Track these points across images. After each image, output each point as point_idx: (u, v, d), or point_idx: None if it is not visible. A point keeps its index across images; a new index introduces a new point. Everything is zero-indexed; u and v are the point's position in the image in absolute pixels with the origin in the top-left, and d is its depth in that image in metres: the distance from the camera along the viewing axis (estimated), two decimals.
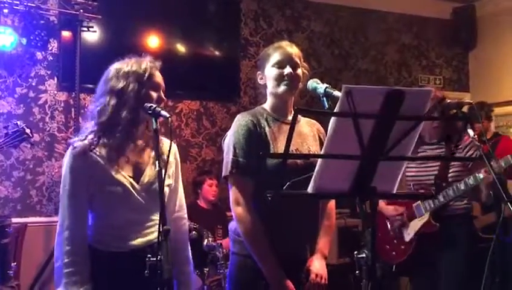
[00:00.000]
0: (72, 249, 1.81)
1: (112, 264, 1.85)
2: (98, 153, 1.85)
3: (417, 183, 2.68)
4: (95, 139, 1.87)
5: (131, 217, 1.88)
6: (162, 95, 1.95)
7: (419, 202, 2.73)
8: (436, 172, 2.64)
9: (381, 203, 2.87)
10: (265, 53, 2.16)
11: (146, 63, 1.93)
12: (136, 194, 1.87)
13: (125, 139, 1.89)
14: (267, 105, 2.16)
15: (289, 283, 1.99)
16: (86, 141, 1.86)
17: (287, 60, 2.09)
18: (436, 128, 2.67)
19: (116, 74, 1.90)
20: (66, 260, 1.80)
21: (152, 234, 1.91)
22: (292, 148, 2.06)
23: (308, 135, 2.17)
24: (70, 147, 1.88)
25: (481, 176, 2.47)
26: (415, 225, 2.76)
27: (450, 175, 2.70)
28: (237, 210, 2.02)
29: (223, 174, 2.08)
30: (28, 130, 3.27)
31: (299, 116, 2.19)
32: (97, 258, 1.85)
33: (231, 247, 2.15)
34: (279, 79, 2.08)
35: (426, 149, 2.72)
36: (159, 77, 1.95)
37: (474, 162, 2.58)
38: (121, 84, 1.86)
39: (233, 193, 2.05)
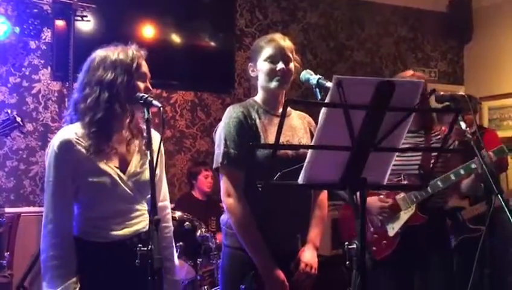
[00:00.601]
0: (58, 241, 1.79)
1: (99, 255, 1.84)
2: (83, 144, 1.82)
3: (399, 173, 2.59)
4: (81, 130, 1.83)
5: (118, 207, 1.87)
6: (149, 85, 1.92)
7: (402, 193, 2.63)
8: (418, 161, 2.59)
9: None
10: (257, 45, 2.14)
11: (133, 52, 1.89)
12: (122, 185, 1.86)
13: (112, 130, 1.87)
14: (258, 97, 2.16)
15: (280, 273, 2.00)
16: (70, 132, 1.83)
17: (280, 55, 2.07)
18: (415, 117, 2.58)
19: (102, 62, 1.86)
20: (51, 253, 1.79)
21: (138, 224, 1.91)
22: (283, 140, 2.06)
23: (299, 127, 2.18)
24: (55, 139, 1.84)
25: (473, 165, 2.45)
26: (401, 218, 2.62)
27: (415, 164, 2.62)
28: (228, 201, 2.03)
29: (214, 165, 2.09)
30: (19, 119, 3.26)
31: (291, 109, 2.20)
32: (83, 250, 1.84)
33: (223, 239, 2.16)
34: (272, 74, 2.07)
35: (406, 137, 2.66)
36: (145, 67, 1.92)
37: (453, 153, 2.55)
38: (109, 76, 1.83)
39: (224, 184, 2.05)
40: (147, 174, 1.87)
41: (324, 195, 2.22)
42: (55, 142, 1.83)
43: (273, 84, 2.07)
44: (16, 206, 3.99)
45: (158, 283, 1.65)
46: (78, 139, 1.82)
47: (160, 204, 2.02)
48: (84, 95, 1.85)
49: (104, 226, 1.86)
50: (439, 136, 2.66)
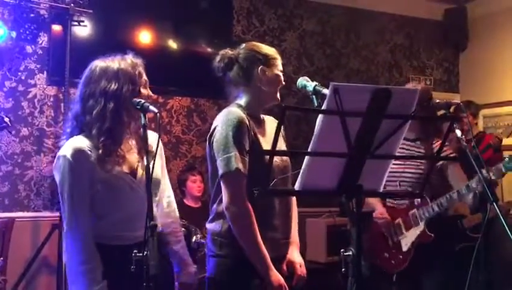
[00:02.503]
0: (85, 247, 1.83)
1: (122, 258, 1.83)
2: (94, 154, 1.85)
3: (393, 180, 2.64)
4: (88, 141, 1.87)
5: (134, 210, 1.91)
6: (150, 92, 1.97)
7: (415, 210, 2.71)
8: (415, 169, 2.63)
9: (376, 213, 2.82)
10: (274, 54, 2.15)
11: (132, 60, 1.94)
12: (137, 189, 1.91)
13: (121, 139, 1.92)
14: (243, 102, 2.12)
15: (281, 278, 1.99)
16: (81, 142, 1.87)
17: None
18: (417, 126, 2.66)
19: (104, 73, 1.90)
20: (81, 259, 1.82)
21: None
22: (267, 147, 2.02)
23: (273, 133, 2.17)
24: (66, 149, 1.86)
25: (474, 185, 2.48)
26: (411, 234, 2.72)
27: (415, 172, 2.69)
28: (233, 210, 1.95)
29: (224, 170, 1.95)
30: (7, 119, 3.25)
31: (264, 115, 2.20)
32: (105, 255, 1.87)
33: (213, 249, 2.08)
34: (278, 86, 2.14)
35: (408, 145, 2.72)
36: (144, 74, 1.97)
37: (446, 162, 2.60)
38: (114, 86, 1.87)
39: (231, 190, 1.96)
40: (154, 174, 1.87)
41: None
42: (67, 152, 1.85)
43: (277, 97, 2.15)
44: (10, 211, 3.97)
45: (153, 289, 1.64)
46: (90, 150, 1.86)
47: (166, 210, 2.13)
48: (88, 107, 1.88)
49: (126, 229, 1.90)
50: (436, 145, 2.68)
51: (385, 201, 2.83)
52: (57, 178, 1.88)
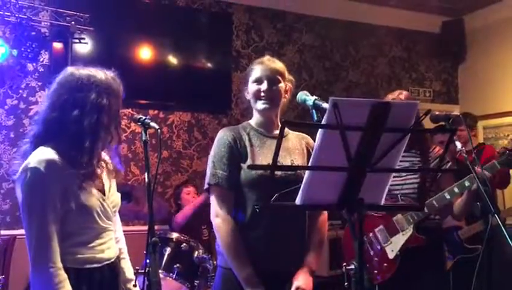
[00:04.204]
0: (57, 272, 1.64)
1: (90, 281, 1.75)
2: (67, 167, 1.68)
3: (395, 193, 2.59)
4: (59, 153, 1.69)
5: (103, 230, 1.81)
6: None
7: (399, 214, 2.63)
8: (414, 181, 2.59)
9: None
10: (249, 68, 2.18)
11: (117, 78, 1.83)
12: (107, 207, 1.83)
13: (96, 154, 1.79)
14: (253, 120, 2.19)
15: None
16: (52, 153, 1.68)
17: (265, 76, 2.10)
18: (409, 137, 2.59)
19: (89, 83, 1.74)
20: (55, 286, 1.64)
21: (117, 244, 1.92)
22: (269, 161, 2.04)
23: (295, 148, 2.18)
24: (36, 159, 1.66)
25: (467, 183, 2.45)
26: (399, 240, 2.61)
27: (411, 184, 2.67)
28: (216, 221, 2.06)
29: (205, 187, 2.13)
30: None
31: (288, 130, 2.21)
32: (77, 279, 1.71)
33: (217, 259, 2.17)
34: (257, 95, 2.11)
35: (402, 156, 2.67)
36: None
37: (444, 174, 2.55)
38: (105, 101, 1.74)
39: (213, 205, 2.09)
40: (117, 198, 1.90)
41: (324, 217, 2.20)
42: (37, 162, 1.64)
43: (259, 105, 2.11)
44: (12, 229, 3.96)
45: None
46: (61, 162, 1.68)
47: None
48: (74, 117, 1.71)
49: (96, 250, 1.78)
50: (431, 156, 2.66)
51: None
52: (23, 193, 1.66)
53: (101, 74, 1.79)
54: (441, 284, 2.61)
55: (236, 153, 2.07)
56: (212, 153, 2.12)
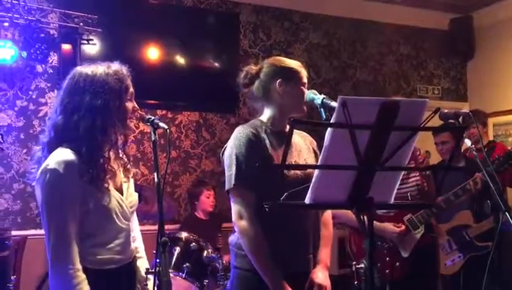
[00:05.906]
0: (76, 273, 1.64)
1: (108, 282, 1.75)
2: (84, 169, 1.68)
3: (403, 194, 2.62)
4: (76, 156, 1.68)
5: (122, 230, 1.81)
6: (135, 104, 1.83)
7: (410, 215, 2.66)
8: (414, 182, 2.63)
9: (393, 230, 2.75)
10: (296, 67, 2.13)
11: (118, 72, 1.79)
12: (125, 208, 1.82)
13: (109, 155, 1.78)
14: (265, 117, 2.15)
15: None
16: (70, 155, 1.68)
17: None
18: None
19: (89, 85, 1.73)
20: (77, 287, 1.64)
21: (133, 247, 1.91)
22: (291, 160, 2.07)
23: (303, 147, 2.18)
24: (55, 160, 1.66)
25: (468, 187, 2.47)
26: (412, 239, 2.66)
27: (409, 186, 2.68)
28: (241, 223, 2.00)
29: (227, 187, 2.04)
30: None
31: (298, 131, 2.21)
32: (94, 279, 1.69)
33: (232, 260, 2.13)
34: (303, 100, 2.04)
35: None
36: (131, 86, 1.82)
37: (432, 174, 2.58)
38: (100, 101, 1.71)
39: (236, 206, 2.02)
40: (135, 198, 1.88)
41: (328, 214, 2.21)
42: (56, 163, 1.65)
43: (303, 108, 2.09)
44: (23, 229, 4.00)
45: None
46: (79, 164, 1.68)
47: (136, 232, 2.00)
48: (74, 122, 1.71)
49: (115, 251, 1.78)
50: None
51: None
52: (42, 194, 1.66)
53: (101, 70, 1.76)
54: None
55: (259, 151, 2.02)
56: (233, 151, 2.03)
